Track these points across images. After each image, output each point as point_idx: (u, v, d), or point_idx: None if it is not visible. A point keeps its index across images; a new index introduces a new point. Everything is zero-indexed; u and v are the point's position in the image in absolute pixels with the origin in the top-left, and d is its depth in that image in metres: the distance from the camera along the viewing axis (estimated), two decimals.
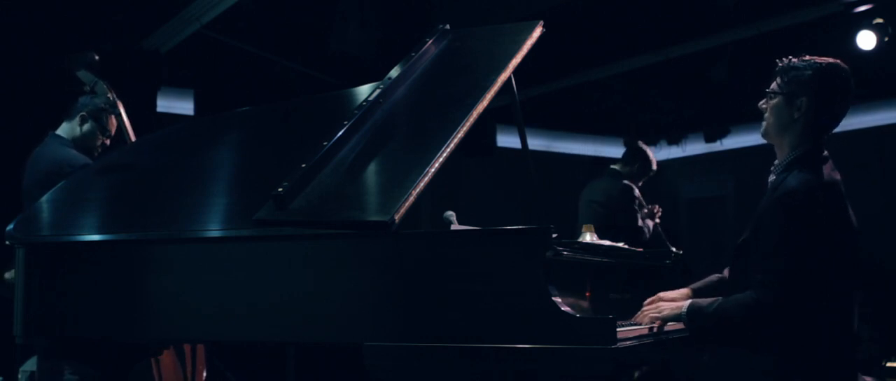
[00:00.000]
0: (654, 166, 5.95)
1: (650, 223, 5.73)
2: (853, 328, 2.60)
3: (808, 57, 2.68)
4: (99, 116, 4.05)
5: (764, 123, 2.74)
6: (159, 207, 3.17)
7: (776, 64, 2.72)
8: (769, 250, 2.52)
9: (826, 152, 2.67)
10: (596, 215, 5.64)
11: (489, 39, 3.37)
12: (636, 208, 5.65)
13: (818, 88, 2.62)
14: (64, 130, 4.05)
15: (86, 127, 4.03)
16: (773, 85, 2.71)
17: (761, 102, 2.75)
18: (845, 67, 2.67)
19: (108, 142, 4.17)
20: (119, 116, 4.14)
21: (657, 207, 5.82)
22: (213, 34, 6.55)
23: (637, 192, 5.73)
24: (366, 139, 2.87)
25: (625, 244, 3.31)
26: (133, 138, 4.25)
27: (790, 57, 2.71)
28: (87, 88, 4.11)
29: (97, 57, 4.17)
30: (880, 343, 6.02)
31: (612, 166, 5.95)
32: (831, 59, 2.67)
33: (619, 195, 5.69)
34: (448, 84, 3.14)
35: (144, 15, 6.33)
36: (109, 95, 4.10)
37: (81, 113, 4.02)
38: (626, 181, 5.76)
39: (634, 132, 9.50)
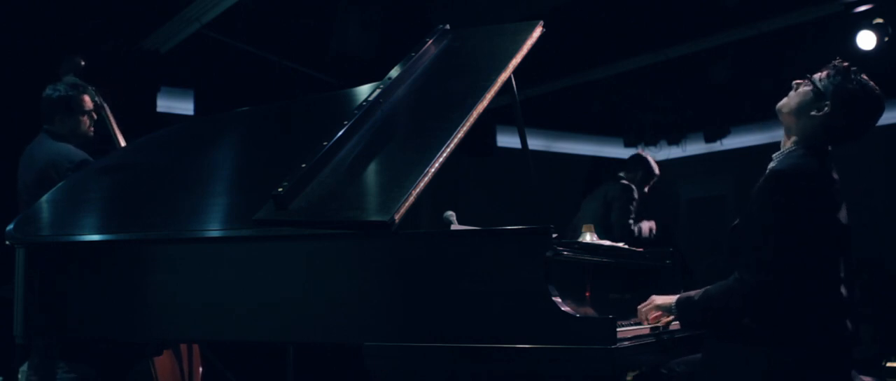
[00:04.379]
0: (657, 172, 6.13)
1: (645, 227, 5.89)
2: (848, 322, 2.56)
3: (865, 78, 2.64)
4: (69, 104, 4.03)
5: (785, 98, 2.70)
6: (159, 207, 3.17)
7: (836, 58, 2.68)
8: (753, 234, 2.51)
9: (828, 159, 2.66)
10: (594, 212, 5.87)
11: (489, 39, 3.37)
12: (632, 207, 5.88)
13: (849, 106, 2.61)
14: (51, 127, 4.05)
15: (67, 120, 4.03)
16: (817, 75, 2.67)
17: (796, 80, 2.70)
18: (883, 106, 2.64)
19: (96, 116, 4.15)
20: (93, 95, 4.13)
21: (653, 223, 5.99)
22: (213, 34, 6.55)
23: (636, 194, 5.89)
24: (366, 139, 2.87)
25: (624, 244, 3.31)
26: (122, 141, 4.25)
27: (850, 65, 2.66)
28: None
29: (83, 62, 4.17)
30: (880, 343, 6.02)
31: (620, 174, 6.08)
32: (880, 93, 2.64)
33: (618, 192, 5.95)
34: (448, 84, 3.13)
35: (144, 15, 6.32)
36: (97, 98, 4.10)
37: (56, 113, 4.01)
38: (625, 182, 5.91)
39: (635, 132, 9.53)
